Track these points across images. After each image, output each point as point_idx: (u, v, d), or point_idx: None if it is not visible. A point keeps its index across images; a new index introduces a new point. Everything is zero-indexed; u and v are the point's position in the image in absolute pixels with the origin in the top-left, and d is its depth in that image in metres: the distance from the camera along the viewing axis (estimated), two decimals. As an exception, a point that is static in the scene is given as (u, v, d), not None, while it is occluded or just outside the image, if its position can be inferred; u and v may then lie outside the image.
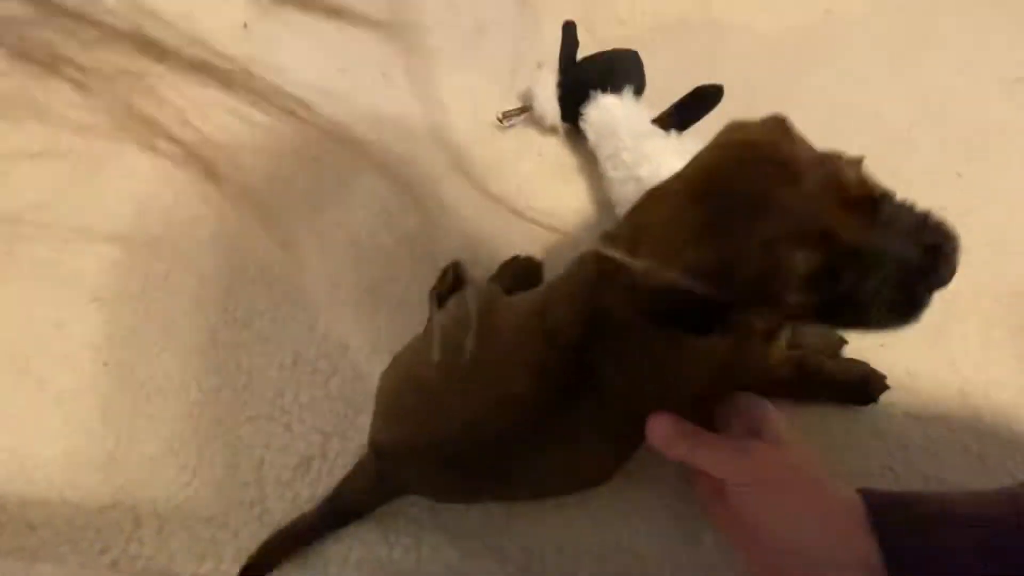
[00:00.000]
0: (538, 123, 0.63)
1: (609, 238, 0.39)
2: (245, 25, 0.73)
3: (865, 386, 0.48)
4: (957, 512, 0.34)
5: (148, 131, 0.16)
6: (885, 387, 0.48)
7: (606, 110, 0.57)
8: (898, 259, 0.32)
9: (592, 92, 0.58)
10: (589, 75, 0.59)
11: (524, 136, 0.63)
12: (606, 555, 0.45)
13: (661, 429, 0.38)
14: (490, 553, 0.45)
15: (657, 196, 0.37)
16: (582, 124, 0.58)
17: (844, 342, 0.50)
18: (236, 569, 0.44)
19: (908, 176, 0.59)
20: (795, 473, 0.36)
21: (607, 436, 0.40)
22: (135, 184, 0.62)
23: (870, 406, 0.47)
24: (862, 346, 0.50)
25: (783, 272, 0.32)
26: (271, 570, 0.44)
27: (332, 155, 0.60)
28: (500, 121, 0.62)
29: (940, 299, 0.53)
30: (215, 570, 0.45)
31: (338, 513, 0.45)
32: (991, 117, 0.62)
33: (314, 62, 0.69)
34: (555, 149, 0.63)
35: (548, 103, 0.61)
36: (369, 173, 0.60)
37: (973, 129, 0.61)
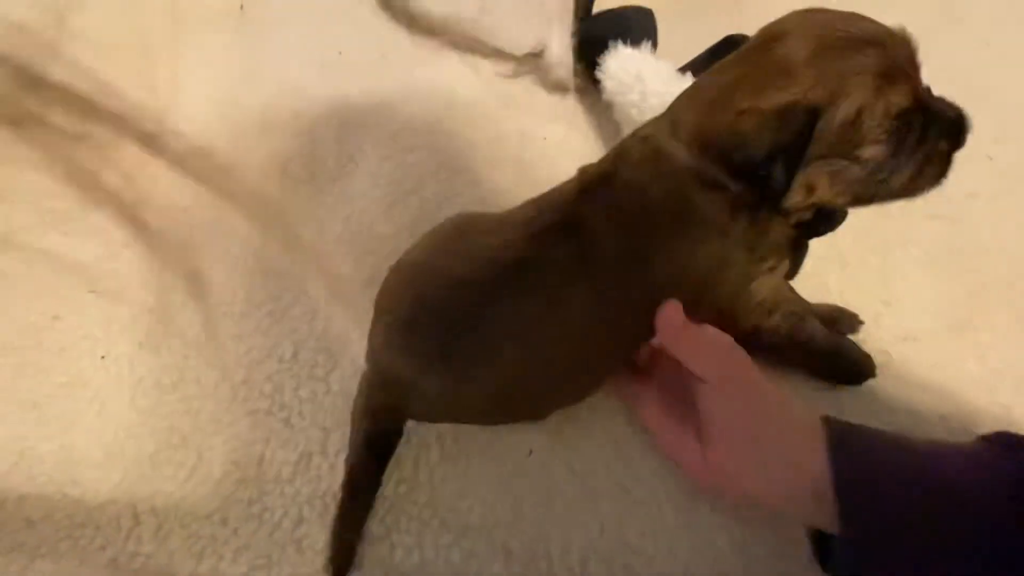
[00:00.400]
0: (547, 74, 0.61)
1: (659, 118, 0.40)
2: (242, 7, 0.71)
3: (853, 368, 0.46)
4: (914, 449, 0.35)
5: (93, 185, 0.17)
6: (873, 375, 0.46)
7: (628, 59, 0.56)
8: (945, 119, 0.37)
9: (611, 42, 0.56)
10: (606, 28, 0.58)
11: (528, 119, 0.61)
12: (614, 556, 0.43)
13: (674, 316, 0.38)
14: (495, 553, 0.44)
15: (722, 65, 0.39)
16: (598, 74, 0.57)
17: (860, 322, 0.48)
18: (236, 569, 0.43)
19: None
20: (769, 385, 0.37)
21: (596, 320, 0.39)
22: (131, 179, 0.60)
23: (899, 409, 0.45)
24: (884, 337, 0.48)
25: (875, 112, 0.34)
26: (355, 552, 0.43)
27: (331, 142, 0.58)
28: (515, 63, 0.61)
29: (968, 287, 0.51)
30: (214, 569, 0.44)
31: (364, 459, 0.43)
32: (1021, 96, 0.59)
33: (311, 44, 0.67)
34: (561, 132, 0.61)
35: (562, 53, 0.59)
36: (369, 161, 0.59)
37: (1003, 109, 0.58)
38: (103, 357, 0.53)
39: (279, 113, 0.60)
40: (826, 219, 0.42)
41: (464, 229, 0.44)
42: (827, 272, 0.51)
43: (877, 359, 0.46)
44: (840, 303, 0.49)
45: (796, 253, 0.43)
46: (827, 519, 0.34)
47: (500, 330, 0.39)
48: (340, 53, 0.65)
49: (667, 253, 0.39)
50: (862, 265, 0.51)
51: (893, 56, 0.35)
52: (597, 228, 0.39)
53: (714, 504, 0.44)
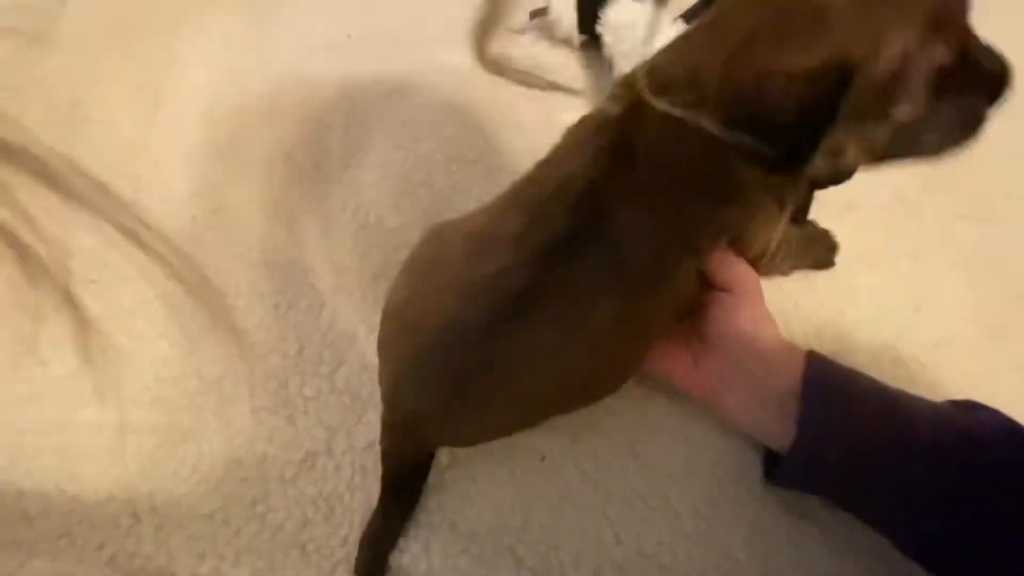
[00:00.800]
0: (552, 31, 0.60)
1: (645, 73, 0.36)
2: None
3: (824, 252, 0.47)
4: (883, 387, 0.37)
5: None
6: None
7: (626, 10, 0.55)
8: (987, 75, 0.33)
9: None
10: None
11: (544, 107, 0.58)
12: (629, 566, 0.42)
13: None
14: (504, 561, 0.42)
15: (740, 3, 0.34)
16: (599, 28, 0.57)
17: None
18: (237, 572, 0.42)
19: (976, 154, 0.54)
20: (768, 311, 0.41)
21: (627, 322, 0.36)
22: (133, 166, 0.59)
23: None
24: (915, 343, 0.46)
25: (916, 68, 0.30)
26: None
27: (339, 130, 0.56)
28: (531, 19, 0.61)
29: (1003, 292, 0.49)
30: (216, 571, 0.43)
31: (395, 495, 0.42)
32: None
33: (319, 26, 0.64)
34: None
35: (565, 8, 0.59)
36: (378, 150, 0.56)
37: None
38: (102, 350, 0.52)
39: (285, 99, 0.58)
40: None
41: (441, 257, 0.40)
42: (856, 275, 0.49)
43: (908, 367, 0.44)
44: (870, 307, 0.47)
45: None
46: (782, 434, 0.37)
47: (514, 363, 0.35)
48: (349, 36, 0.62)
49: (713, 226, 0.36)
50: (892, 268, 0.49)
51: (945, 0, 0.31)
52: (625, 227, 0.34)
53: (732, 513, 0.43)
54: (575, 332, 0.35)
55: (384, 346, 0.41)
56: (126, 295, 0.54)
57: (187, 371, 0.50)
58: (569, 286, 0.34)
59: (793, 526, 0.42)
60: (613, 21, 0.56)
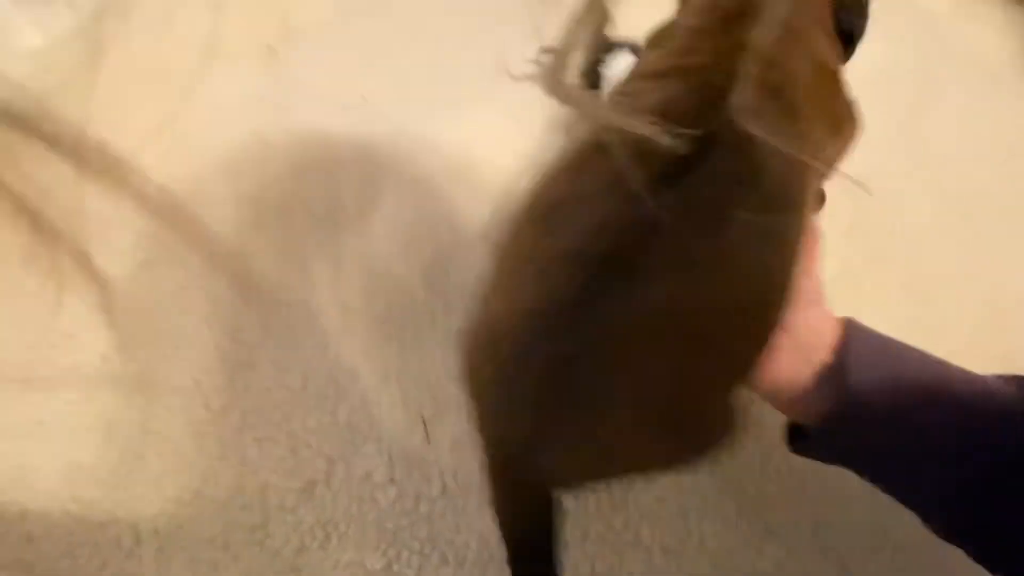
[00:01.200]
0: (555, 79, 0.65)
1: None
2: (269, 47, 0.74)
3: None
4: (923, 352, 0.35)
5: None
6: None
7: (631, 62, 0.58)
8: None
9: (618, 47, 0.59)
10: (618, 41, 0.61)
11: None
12: (603, 595, 0.45)
13: None
14: (489, 588, 0.45)
15: None
16: (603, 70, 0.60)
17: None
18: (236, 594, 0.44)
19: (901, 232, 0.62)
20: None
21: (776, 265, 0.31)
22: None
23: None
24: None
25: None
26: None
27: (353, 186, 0.61)
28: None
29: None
30: (215, 594, 0.45)
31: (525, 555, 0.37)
32: (987, 182, 0.65)
33: (335, 87, 0.70)
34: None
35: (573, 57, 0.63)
36: (389, 205, 0.62)
37: (970, 192, 0.64)
38: (114, 378, 0.55)
39: (305, 155, 0.63)
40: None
41: (508, 256, 0.33)
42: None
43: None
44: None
45: None
46: (822, 397, 0.34)
47: (621, 340, 0.29)
48: (364, 98, 0.68)
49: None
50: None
51: None
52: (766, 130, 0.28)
53: (697, 548, 0.47)
54: (705, 266, 0.29)
55: (468, 379, 0.34)
56: (137, 325, 0.57)
57: (195, 401, 0.53)
58: (690, 211, 0.29)
59: (751, 562, 0.46)
60: (616, 72, 0.58)
